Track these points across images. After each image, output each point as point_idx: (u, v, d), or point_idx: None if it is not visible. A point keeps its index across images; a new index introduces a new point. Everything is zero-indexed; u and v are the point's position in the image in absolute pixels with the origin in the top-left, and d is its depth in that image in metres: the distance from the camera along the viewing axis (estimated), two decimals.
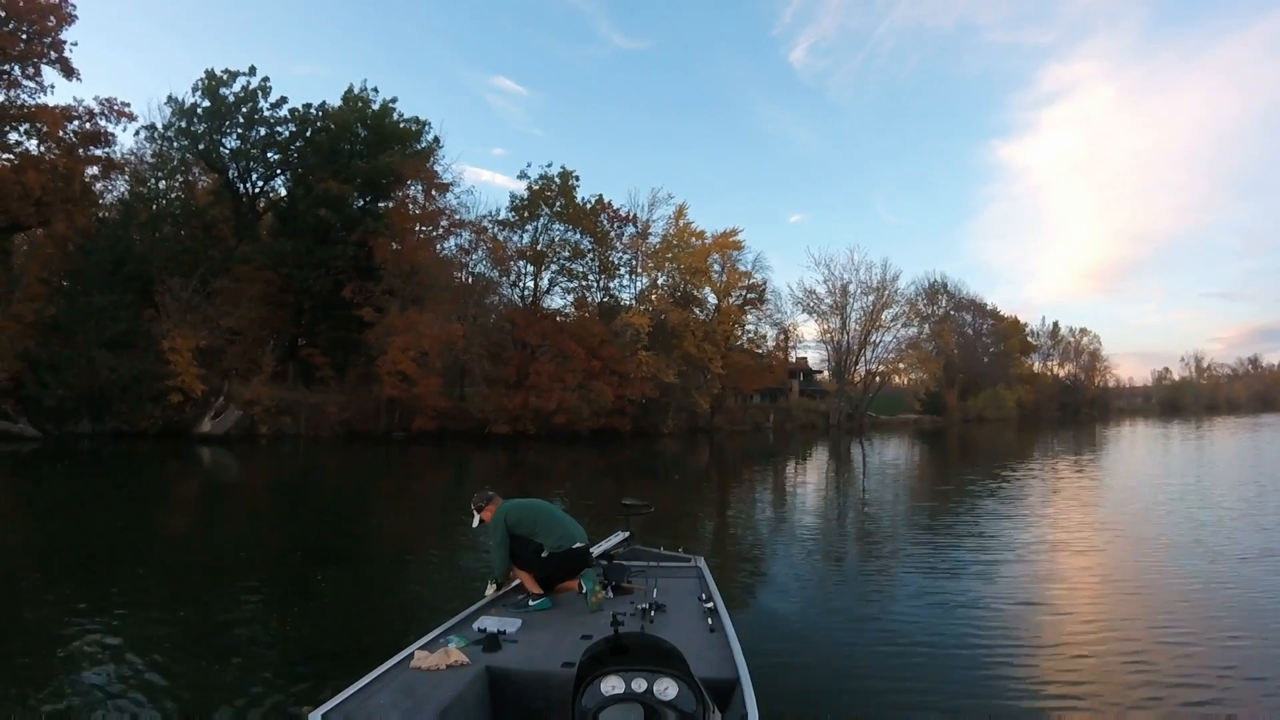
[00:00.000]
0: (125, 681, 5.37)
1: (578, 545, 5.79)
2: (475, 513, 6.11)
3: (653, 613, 5.02)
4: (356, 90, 43.06)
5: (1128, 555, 11.05)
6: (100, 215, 35.38)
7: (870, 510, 16.22)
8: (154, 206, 39.66)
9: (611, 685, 3.02)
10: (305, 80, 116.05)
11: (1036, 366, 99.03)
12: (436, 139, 44.86)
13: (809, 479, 23.79)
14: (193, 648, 6.18)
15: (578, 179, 46.35)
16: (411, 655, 4.21)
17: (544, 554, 5.71)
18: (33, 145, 30.13)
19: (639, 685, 3.01)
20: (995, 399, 76.34)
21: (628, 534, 7.42)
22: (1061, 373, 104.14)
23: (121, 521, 13.06)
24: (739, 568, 10.16)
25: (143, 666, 5.68)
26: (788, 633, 7.03)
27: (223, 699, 5.10)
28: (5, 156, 29.58)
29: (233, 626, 6.97)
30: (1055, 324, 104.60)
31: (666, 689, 3.00)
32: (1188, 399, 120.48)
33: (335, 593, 8.30)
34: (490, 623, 4.89)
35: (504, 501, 6.06)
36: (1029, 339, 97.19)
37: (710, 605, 5.22)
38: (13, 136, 29.73)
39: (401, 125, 43.77)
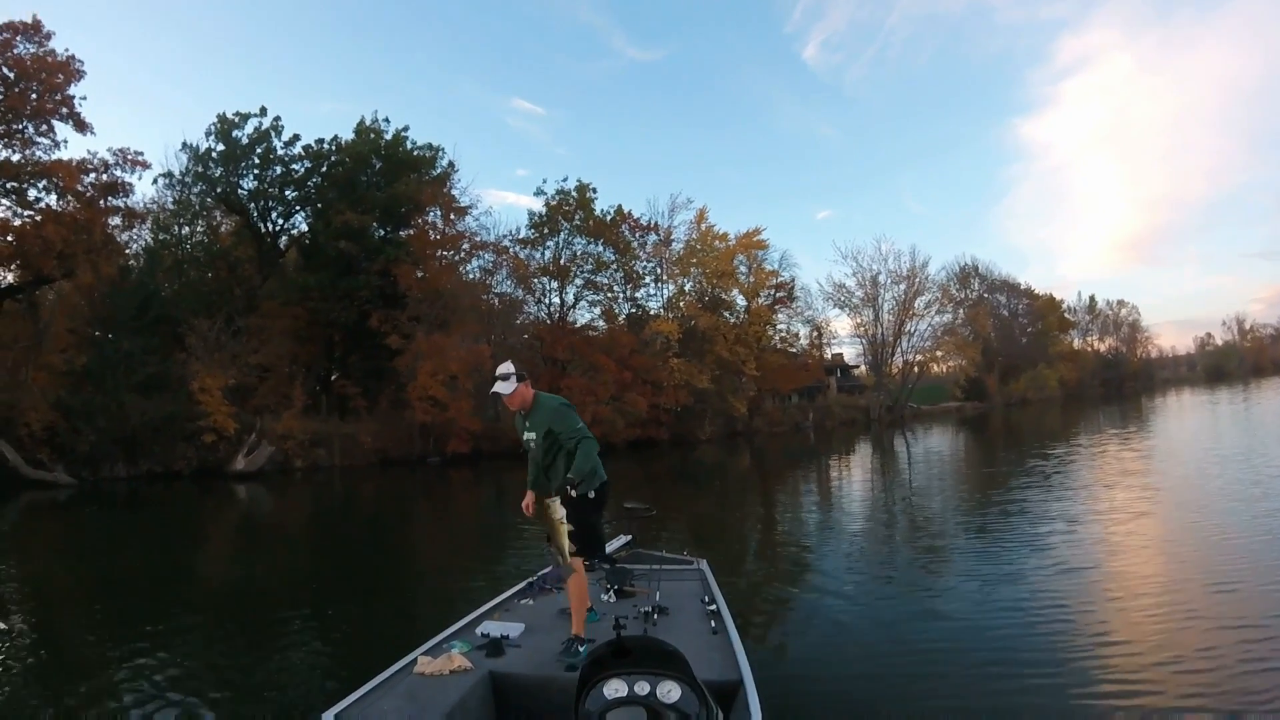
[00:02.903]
0: (154, 700, 5.58)
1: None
2: (508, 379, 4.89)
3: (655, 615, 5.08)
4: (368, 122, 43.17)
5: (1177, 521, 10.82)
6: (126, 263, 35.63)
7: (898, 506, 15.71)
8: (178, 252, 40.03)
9: (614, 688, 3.03)
10: (329, 118, 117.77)
11: (1076, 343, 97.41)
12: (451, 163, 44.71)
13: (842, 476, 23.33)
14: (213, 670, 6.37)
15: (595, 191, 46.18)
16: (415, 660, 4.27)
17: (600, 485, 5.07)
18: (52, 200, 30.49)
19: (642, 688, 3.01)
20: (1037, 379, 74.95)
21: (630, 538, 7.38)
22: (1102, 347, 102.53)
23: (155, 560, 13.06)
24: (746, 568, 10.07)
25: (170, 687, 5.88)
26: (791, 634, 7.04)
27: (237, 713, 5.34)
28: (26, 213, 29.95)
29: (252, 649, 7.10)
30: (1092, 298, 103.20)
31: (670, 692, 3.00)
32: (1233, 363, 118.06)
33: (361, 624, 8.05)
34: (493, 627, 4.95)
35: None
36: (1066, 316, 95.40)
37: (713, 608, 5.27)
38: (32, 193, 30.09)
39: (415, 153, 43.73)
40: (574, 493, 4.56)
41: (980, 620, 6.92)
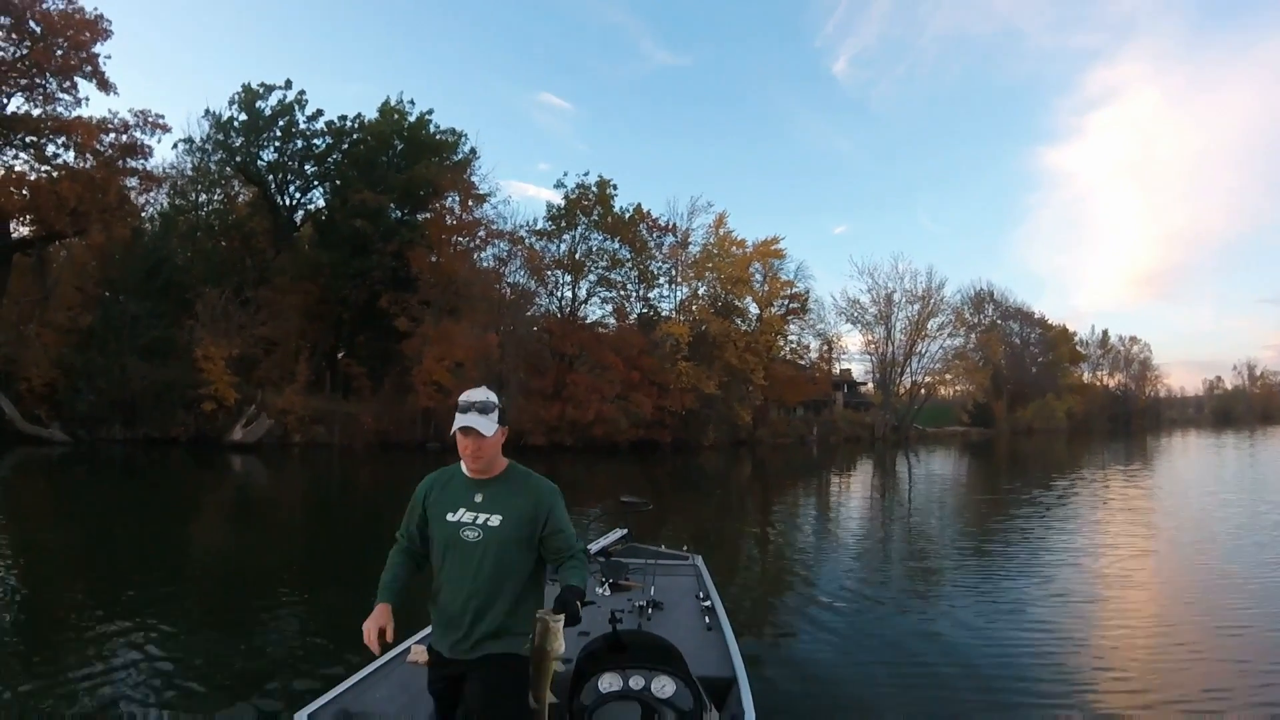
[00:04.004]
0: (137, 679, 5.45)
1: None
2: (489, 413, 2.81)
3: (650, 610, 4.98)
4: (393, 102, 43.03)
5: (1180, 561, 10.76)
6: (140, 226, 35.55)
7: (897, 524, 15.54)
8: (193, 218, 40.01)
9: (609, 682, 3.04)
10: (355, 98, 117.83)
11: (1086, 376, 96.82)
12: (473, 150, 44.72)
13: (843, 492, 23.16)
14: (200, 650, 6.21)
15: (615, 188, 45.87)
16: (409, 649, 4.18)
17: None
18: (70, 157, 30.53)
19: (636, 683, 3.02)
20: (1044, 410, 74.54)
21: (625, 531, 7.20)
22: (1111, 382, 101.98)
23: (144, 530, 12.84)
24: (742, 569, 10.10)
25: (153, 665, 5.75)
26: (785, 632, 7.10)
27: (223, 696, 5.20)
28: (43, 169, 29.95)
29: (240, 629, 6.96)
30: (1105, 332, 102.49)
31: (664, 686, 3.01)
32: (1240, 409, 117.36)
33: (353, 610, 7.80)
34: None
35: None
36: (1078, 348, 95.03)
37: (708, 603, 5.23)
38: (50, 149, 30.10)
39: (438, 137, 43.66)
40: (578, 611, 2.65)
41: (974, 631, 6.92)
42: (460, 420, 2.82)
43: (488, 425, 2.82)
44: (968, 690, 5.46)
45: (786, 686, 5.46)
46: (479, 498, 2.85)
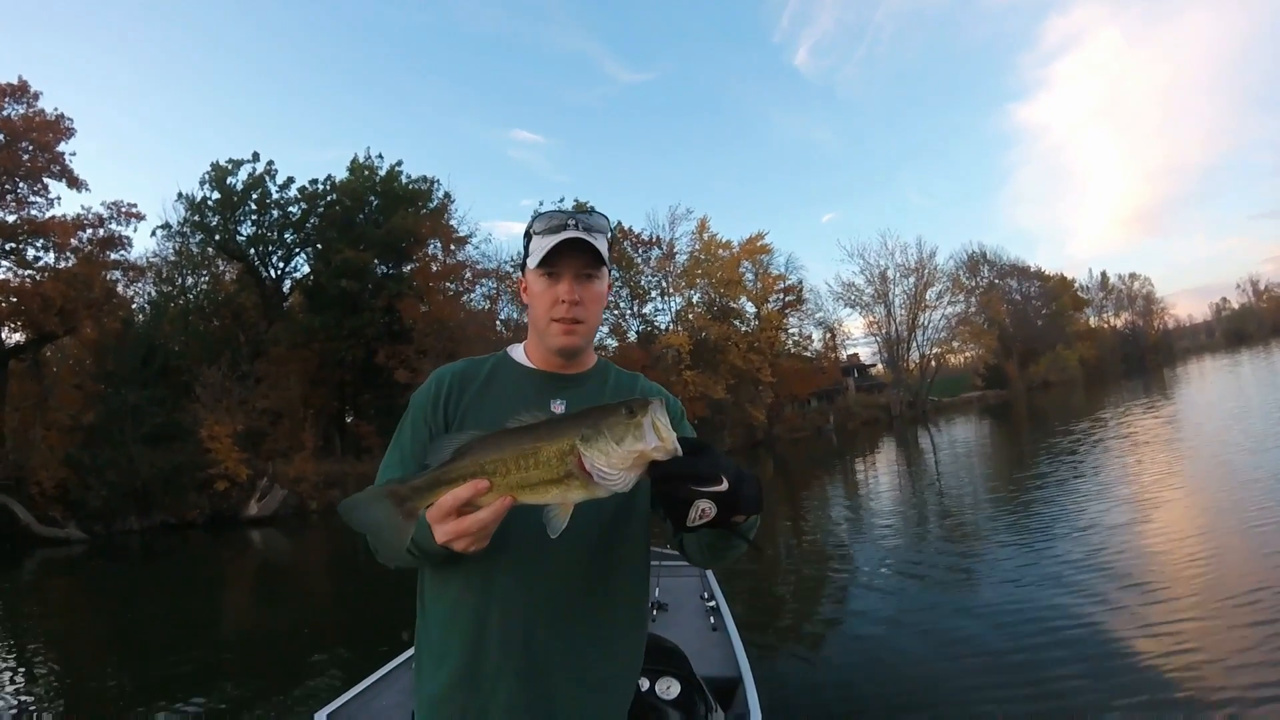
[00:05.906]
0: None
1: None
2: (601, 238, 1.85)
3: (654, 611, 5.00)
4: (361, 159, 43.14)
5: (1207, 480, 10.54)
6: (131, 316, 35.71)
7: (910, 507, 15.05)
8: (182, 302, 40.15)
9: None
10: (332, 164, 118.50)
11: (1093, 321, 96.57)
12: (447, 194, 44.69)
13: (866, 474, 22.93)
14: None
15: (592, 210, 45.74)
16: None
17: None
18: (50, 258, 30.70)
19: (641, 685, 2.90)
20: (1057, 361, 74.23)
21: None
22: (1118, 323, 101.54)
23: (168, 612, 12.85)
24: (747, 568, 9.93)
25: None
26: (791, 631, 7.13)
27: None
28: (25, 273, 30.07)
29: (265, 681, 7.31)
30: (1104, 274, 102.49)
31: (668, 688, 2.98)
32: (1252, 326, 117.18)
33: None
34: None
35: None
36: (1080, 294, 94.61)
37: (713, 604, 5.21)
38: (30, 252, 30.25)
39: (410, 186, 43.69)
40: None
41: (983, 624, 6.72)
42: (549, 241, 1.60)
43: (603, 246, 1.61)
44: (975, 678, 5.44)
45: (793, 686, 5.54)
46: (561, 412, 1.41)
